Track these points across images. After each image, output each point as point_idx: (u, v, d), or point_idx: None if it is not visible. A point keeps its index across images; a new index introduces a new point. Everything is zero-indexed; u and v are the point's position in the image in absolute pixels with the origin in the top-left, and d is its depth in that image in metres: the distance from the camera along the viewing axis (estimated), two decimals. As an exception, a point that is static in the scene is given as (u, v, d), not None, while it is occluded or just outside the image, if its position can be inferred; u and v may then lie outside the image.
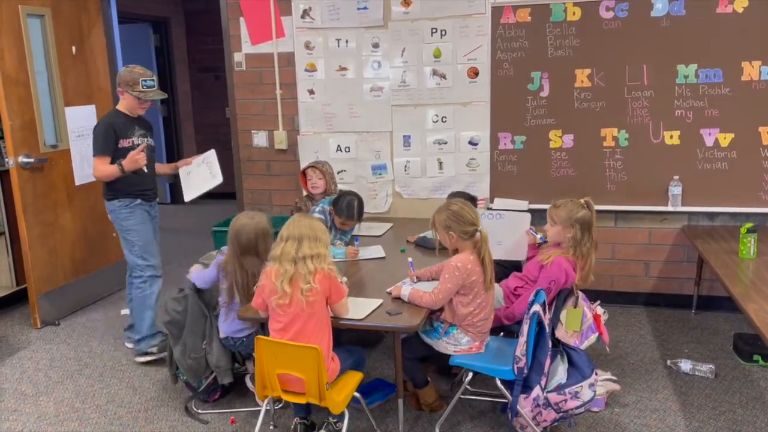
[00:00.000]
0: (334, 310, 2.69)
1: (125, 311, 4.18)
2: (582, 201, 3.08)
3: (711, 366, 3.42)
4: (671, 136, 4.11)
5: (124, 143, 3.69)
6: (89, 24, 4.74)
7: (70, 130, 4.47)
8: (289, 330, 2.61)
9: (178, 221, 7.15)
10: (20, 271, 4.59)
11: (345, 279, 2.90)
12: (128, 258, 3.85)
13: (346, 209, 3.61)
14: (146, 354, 3.80)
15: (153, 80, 3.73)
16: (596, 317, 3.01)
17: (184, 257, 5.24)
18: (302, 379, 2.55)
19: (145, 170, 3.77)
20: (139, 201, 3.79)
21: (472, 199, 3.76)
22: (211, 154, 3.98)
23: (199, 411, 3.23)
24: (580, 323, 2.94)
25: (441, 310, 2.93)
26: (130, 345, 4.01)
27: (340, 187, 4.15)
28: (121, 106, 3.74)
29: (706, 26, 3.94)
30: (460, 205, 2.85)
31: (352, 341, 3.21)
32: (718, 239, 3.85)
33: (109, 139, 3.64)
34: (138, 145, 3.74)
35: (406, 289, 2.87)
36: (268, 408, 2.95)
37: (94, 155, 3.67)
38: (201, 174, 3.95)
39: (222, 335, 3.12)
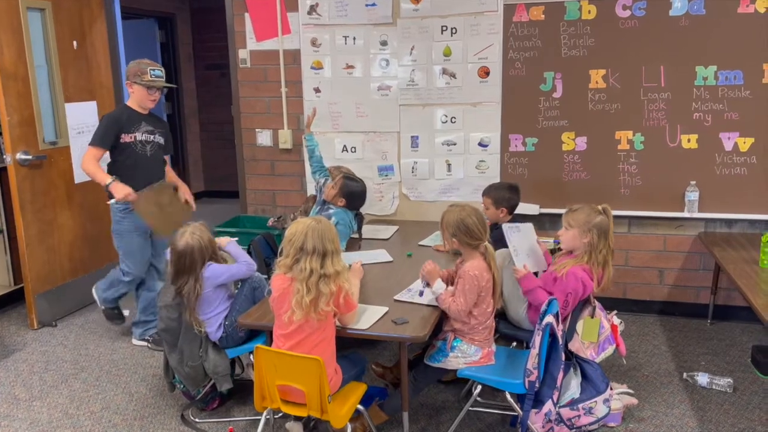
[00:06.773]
0: (341, 320, 2.58)
1: (126, 312, 4.09)
2: (600, 207, 2.95)
3: (729, 380, 3.29)
4: (689, 140, 3.97)
5: (125, 138, 3.64)
6: (91, 18, 4.64)
7: (70, 126, 4.38)
8: (293, 337, 2.50)
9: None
10: (18, 270, 4.48)
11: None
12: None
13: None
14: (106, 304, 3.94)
15: (161, 71, 3.70)
16: (613, 328, 2.88)
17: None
18: (303, 391, 2.44)
19: (141, 173, 3.70)
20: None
21: (515, 189, 3.60)
22: None
23: (197, 420, 3.11)
24: (597, 334, 2.80)
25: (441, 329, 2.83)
26: (137, 342, 3.96)
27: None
28: (131, 102, 3.72)
29: (727, 26, 3.80)
30: (474, 220, 2.68)
31: (352, 345, 3.10)
32: (737, 247, 3.71)
33: (109, 131, 3.61)
34: (141, 141, 3.67)
35: (440, 286, 2.68)
36: (268, 418, 2.83)
37: (89, 143, 3.63)
38: None
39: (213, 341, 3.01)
